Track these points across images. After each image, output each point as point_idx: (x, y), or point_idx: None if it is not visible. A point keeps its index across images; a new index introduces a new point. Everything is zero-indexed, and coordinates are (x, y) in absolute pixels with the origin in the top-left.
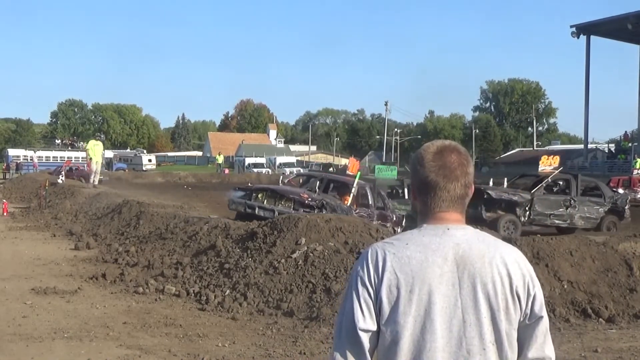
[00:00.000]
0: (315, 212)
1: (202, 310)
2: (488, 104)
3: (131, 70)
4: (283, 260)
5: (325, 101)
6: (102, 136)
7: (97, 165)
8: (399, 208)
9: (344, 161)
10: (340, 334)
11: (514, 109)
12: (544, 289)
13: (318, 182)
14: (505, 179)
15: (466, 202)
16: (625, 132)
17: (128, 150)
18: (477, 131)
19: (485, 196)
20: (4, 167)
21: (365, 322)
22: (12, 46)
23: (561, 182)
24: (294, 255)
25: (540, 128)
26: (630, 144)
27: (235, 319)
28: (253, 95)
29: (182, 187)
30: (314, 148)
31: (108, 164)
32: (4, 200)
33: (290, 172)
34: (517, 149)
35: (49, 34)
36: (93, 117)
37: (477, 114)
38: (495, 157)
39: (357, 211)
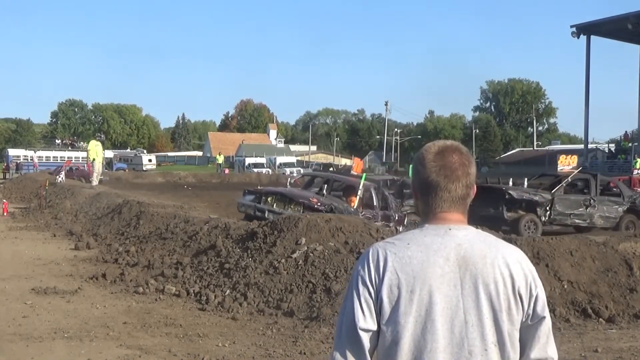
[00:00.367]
0: None
1: (202, 310)
2: (488, 104)
3: (131, 70)
4: (283, 260)
5: (325, 101)
6: (102, 136)
7: (99, 165)
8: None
9: (344, 161)
10: (340, 333)
11: (514, 109)
12: (544, 289)
13: (325, 185)
14: (526, 178)
15: (468, 203)
16: (625, 132)
17: (128, 150)
18: (477, 131)
19: (506, 196)
20: (4, 167)
21: (366, 321)
22: (12, 46)
23: (579, 183)
24: (294, 255)
25: (540, 128)
26: (630, 144)
27: (235, 319)
28: (253, 95)
29: (182, 187)
30: (314, 148)
31: (108, 163)
32: (4, 200)
33: (291, 172)
34: (517, 149)
35: (49, 34)
36: (93, 117)
37: (477, 114)
38: (496, 157)
39: (363, 213)
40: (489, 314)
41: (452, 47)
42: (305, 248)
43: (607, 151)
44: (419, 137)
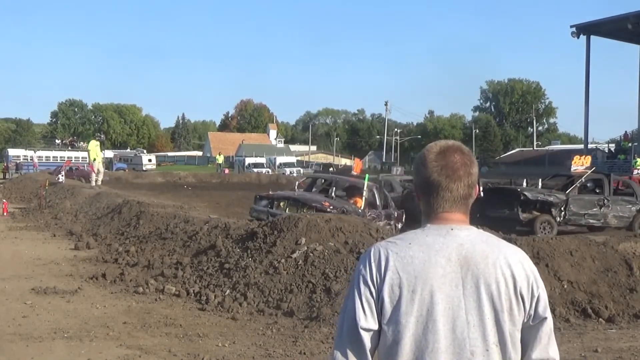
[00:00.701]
0: None
1: (202, 310)
2: (488, 104)
3: (131, 70)
4: (283, 260)
5: (325, 101)
6: (103, 136)
7: (100, 165)
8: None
9: (344, 161)
10: (341, 333)
11: (514, 109)
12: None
13: (334, 187)
14: (540, 179)
15: (470, 203)
16: (625, 132)
17: (128, 150)
18: (477, 131)
19: (521, 197)
20: (4, 167)
21: (367, 321)
22: (12, 46)
23: (589, 183)
24: (294, 255)
25: (540, 128)
26: (630, 144)
27: (235, 319)
28: (253, 95)
29: (182, 187)
30: (314, 148)
31: (108, 164)
32: (4, 200)
33: (291, 172)
34: (517, 149)
35: (49, 34)
36: (93, 117)
37: (477, 114)
38: (496, 157)
39: (369, 213)
40: (490, 314)
41: (452, 47)
42: (305, 248)
43: (607, 151)
44: (419, 137)
